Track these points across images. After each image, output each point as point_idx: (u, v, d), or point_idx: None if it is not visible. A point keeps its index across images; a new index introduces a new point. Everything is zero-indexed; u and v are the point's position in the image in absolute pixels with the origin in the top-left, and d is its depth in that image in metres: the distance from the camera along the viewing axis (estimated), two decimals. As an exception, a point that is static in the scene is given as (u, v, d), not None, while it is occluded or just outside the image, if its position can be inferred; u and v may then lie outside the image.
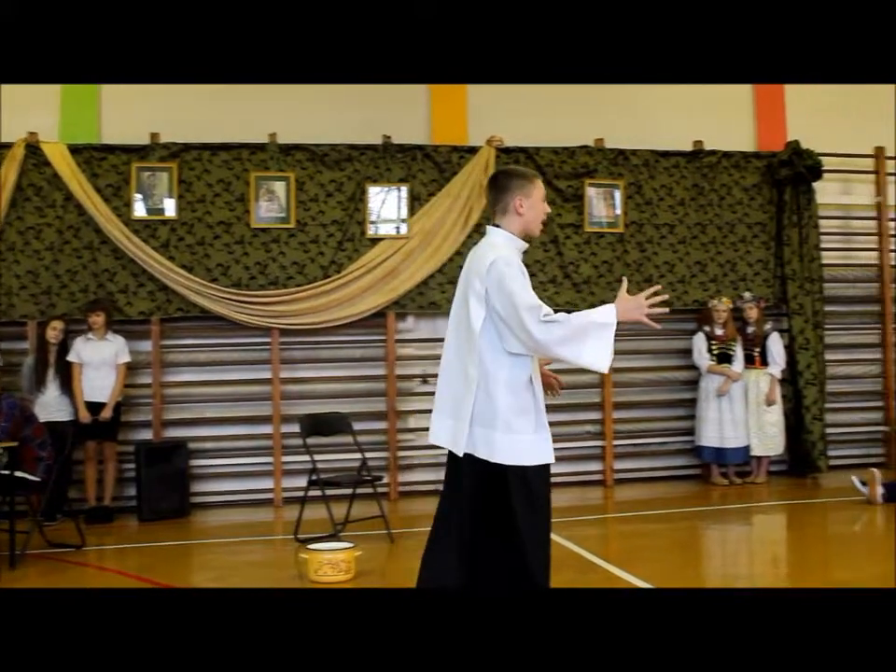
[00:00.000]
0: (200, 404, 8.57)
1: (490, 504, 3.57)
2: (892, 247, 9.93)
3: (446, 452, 8.68)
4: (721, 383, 8.88)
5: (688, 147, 9.46)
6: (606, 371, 3.48)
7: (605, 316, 3.46)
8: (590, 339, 3.42)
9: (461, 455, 3.59)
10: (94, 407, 7.74)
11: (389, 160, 8.78)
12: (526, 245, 3.76)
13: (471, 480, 3.61)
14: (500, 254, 3.57)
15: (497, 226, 3.74)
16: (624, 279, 3.84)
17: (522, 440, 3.54)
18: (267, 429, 8.58)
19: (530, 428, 3.55)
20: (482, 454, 3.55)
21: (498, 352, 3.53)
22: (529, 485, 3.55)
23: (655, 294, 3.59)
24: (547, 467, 3.61)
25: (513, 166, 4.13)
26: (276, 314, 8.51)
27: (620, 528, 7.67)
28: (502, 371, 3.53)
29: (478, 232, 8.88)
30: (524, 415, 3.55)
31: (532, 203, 3.68)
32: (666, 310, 3.69)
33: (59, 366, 7.75)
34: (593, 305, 8.91)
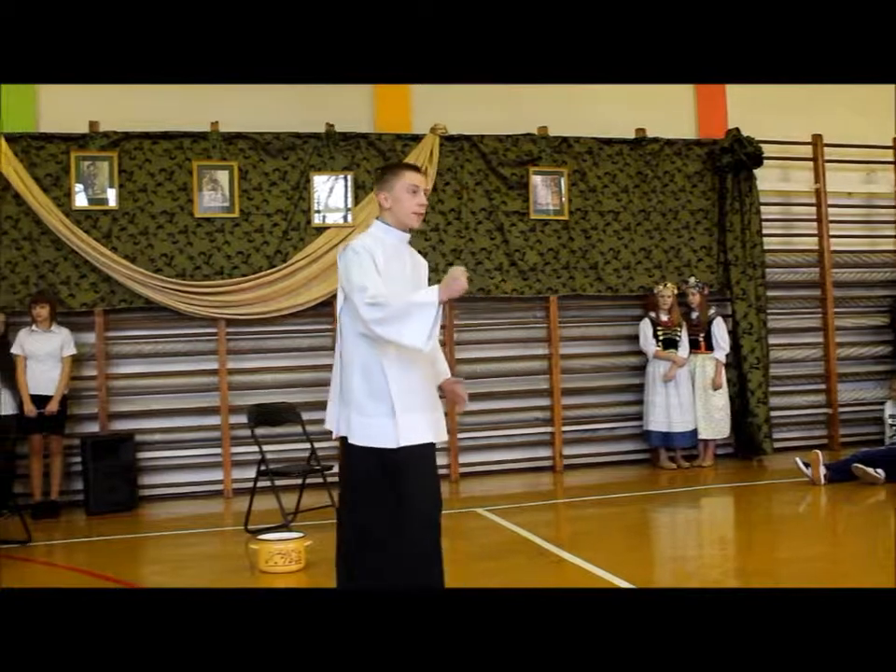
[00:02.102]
0: (146, 396, 8.46)
1: (366, 487, 3.71)
2: (831, 233, 10.10)
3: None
4: (668, 368, 8.98)
5: (631, 135, 9.54)
6: (425, 349, 3.54)
7: (426, 297, 3.55)
8: (412, 319, 3.51)
9: (334, 436, 3.79)
10: (40, 400, 7.62)
11: (333, 148, 8.73)
12: (406, 235, 3.90)
13: (345, 461, 3.80)
14: (356, 241, 3.72)
15: (378, 216, 3.91)
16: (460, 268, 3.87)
17: (372, 423, 3.64)
18: (215, 420, 8.50)
19: (383, 412, 3.64)
20: (345, 434, 3.72)
21: (354, 335, 3.67)
22: (387, 467, 3.66)
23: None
24: (411, 449, 3.66)
25: (389, 163, 4.26)
26: (222, 304, 8.43)
27: (569, 513, 7.73)
28: (357, 355, 3.68)
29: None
30: (374, 398, 3.65)
31: (395, 196, 3.80)
32: None
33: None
34: (539, 292, 9.10)
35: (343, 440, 3.74)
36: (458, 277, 3.55)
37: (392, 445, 3.63)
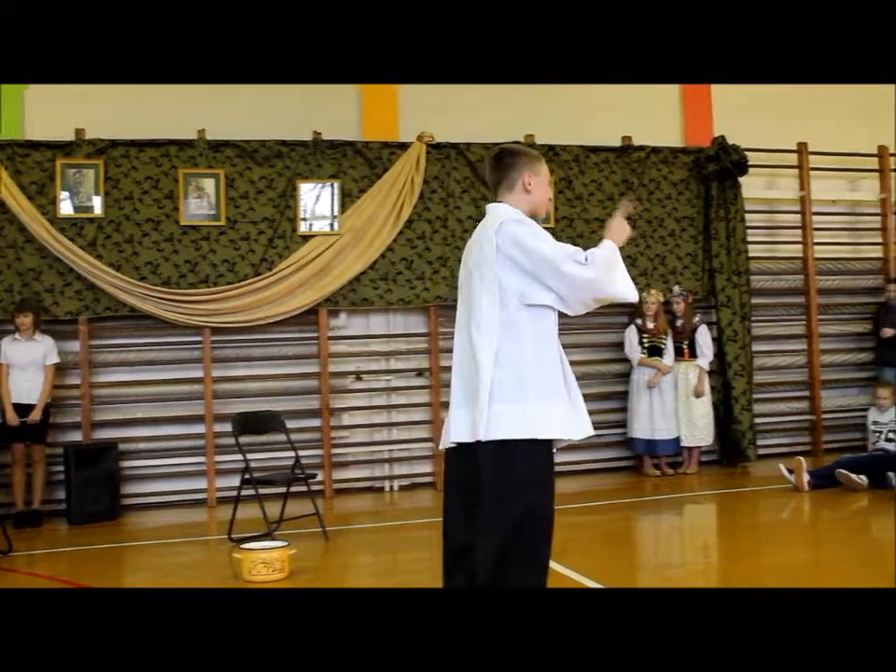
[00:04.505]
0: (130, 405, 8.44)
1: (515, 494, 3.29)
2: (816, 240, 10.15)
3: (382, 448, 8.60)
4: (652, 375, 9.00)
5: (617, 143, 9.56)
6: (637, 298, 3.50)
7: (611, 244, 3.41)
8: (618, 269, 3.38)
9: (483, 439, 3.27)
10: (22, 409, 7.60)
11: (320, 156, 8.74)
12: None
13: (496, 467, 3.29)
14: (511, 215, 3.40)
15: (500, 202, 3.53)
16: (625, 201, 3.78)
17: (553, 411, 3.33)
18: (199, 429, 8.48)
19: (564, 395, 3.39)
20: (510, 432, 3.27)
21: (521, 316, 3.32)
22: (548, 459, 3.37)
23: (627, 206, 3.65)
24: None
25: (517, 144, 3.88)
26: (207, 312, 8.42)
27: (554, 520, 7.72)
28: (527, 337, 3.32)
29: (409, 228, 8.88)
30: (553, 384, 3.36)
31: (540, 181, 3.52)
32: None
33: (-18, 368, 7.61)
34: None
35: (500, 443, 3.27)
36: (622, 220, 3.50)
37: (576, 436, 3.38)
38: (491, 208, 3.54)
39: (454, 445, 3.42)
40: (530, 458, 3.30)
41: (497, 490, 3.28)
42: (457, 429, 3.40)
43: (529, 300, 3.32)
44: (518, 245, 3.29)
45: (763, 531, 7.14)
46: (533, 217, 3.52)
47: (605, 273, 3.30)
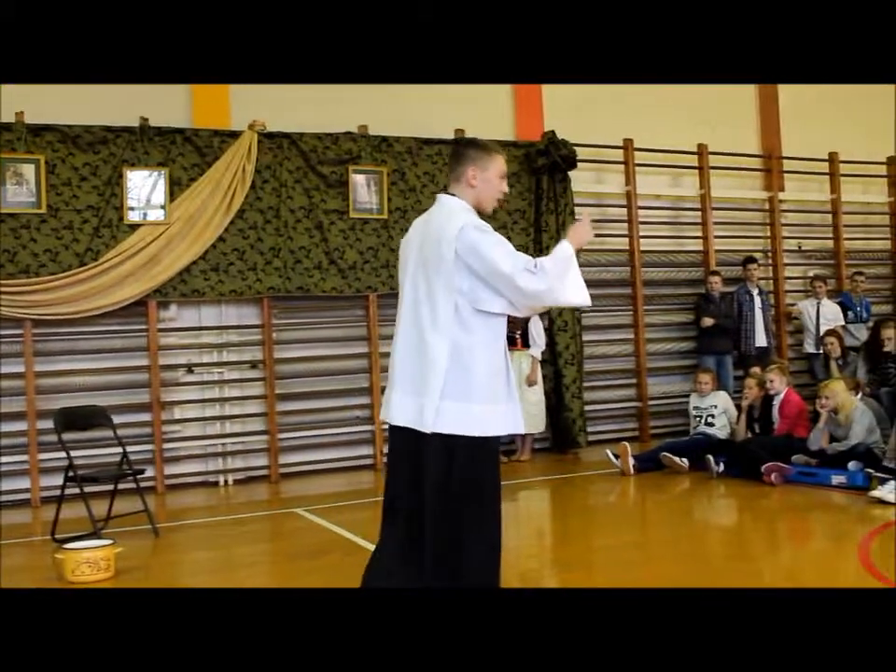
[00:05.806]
0: (-56, 402, 8.02)
1: (459, 484, 3.47)
2: (641, 234, 10.52)
3: (216, 442, 8.45)
4: (486, 365, 9.11)
5: (450, 135, 9.64)
6: (590, 303, 3.66)
7: (567, 250, 3.54)
8: (570, 276, 3.52)
9: (429, 432, 3.47)
10: None
11: (147, 143, 8.49)
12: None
13: (439, 459, 3.48)
14: (465, 218, 3.51)
15: (452, 195, 3.66)
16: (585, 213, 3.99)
17: (497, 410, 3.53)
18: (21, 426, 8.12)
19: (505, 398, 3.57)
20: (455, 429, 3.46)
21: (474, 320, 3.48)
22: (492, 458, 3.59)
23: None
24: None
25: (479, 138, 4.00)
26: (28, 304, 8.06)
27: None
28: (477, 339, 3.49)
29: (241, 218, 8.72)
30: (498, 384, 3.55)
31: (487, 177, 3.61)
32: None
33: None
34: (359, 291, 9.06)
35: (445, 436, 3.46)
36: (585, 224, 3.64)
37: (513, 430, 3.60)
38: (441, 199, 3.69)
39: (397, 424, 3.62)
40: (470, 453, 3.48)
41: (442, 482, 3.48)
42: (403, 414, 3.57)
43: (481, 305, 3.48)
44: (475, 253, 3.42)
45: (593, 514, 7.36)
46: (478, 209, 3.66)
47: (556, 281, 3.46)
